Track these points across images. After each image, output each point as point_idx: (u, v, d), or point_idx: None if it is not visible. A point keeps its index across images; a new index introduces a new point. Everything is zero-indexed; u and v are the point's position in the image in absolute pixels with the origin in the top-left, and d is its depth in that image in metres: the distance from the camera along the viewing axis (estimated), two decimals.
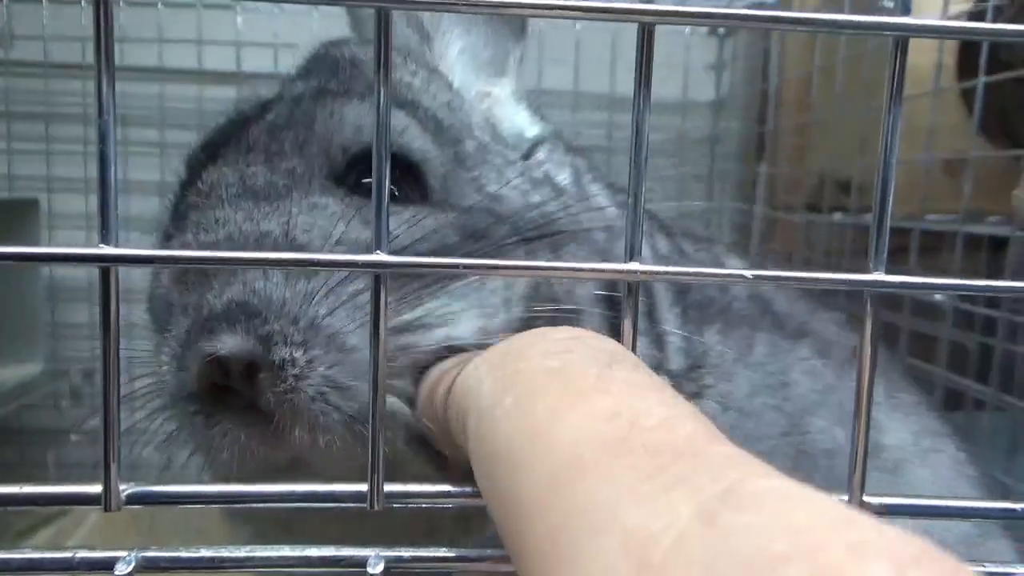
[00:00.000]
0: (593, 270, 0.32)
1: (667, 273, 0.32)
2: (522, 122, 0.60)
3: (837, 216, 1.32)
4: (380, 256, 0.30)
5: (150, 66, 1.49)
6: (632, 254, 0.31)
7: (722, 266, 0.56)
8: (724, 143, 1.64)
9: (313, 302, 0.40)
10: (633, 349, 0.32)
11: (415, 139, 0.48)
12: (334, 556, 0.32)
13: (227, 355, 0.38)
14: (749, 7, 1.48)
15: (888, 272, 0.30)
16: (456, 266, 0.33)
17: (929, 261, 1.13)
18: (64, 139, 1.57)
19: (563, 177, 0.56)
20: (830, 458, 0.41)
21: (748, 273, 0.30)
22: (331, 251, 0.42)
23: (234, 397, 0.39)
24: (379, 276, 0.30)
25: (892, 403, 0.59)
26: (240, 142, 0.48)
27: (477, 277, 0.43)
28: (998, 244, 1.06)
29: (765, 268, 0.68)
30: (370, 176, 0.46)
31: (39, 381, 1.57)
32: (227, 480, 0.45)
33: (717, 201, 1.65)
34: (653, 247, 0.54)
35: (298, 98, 0.50)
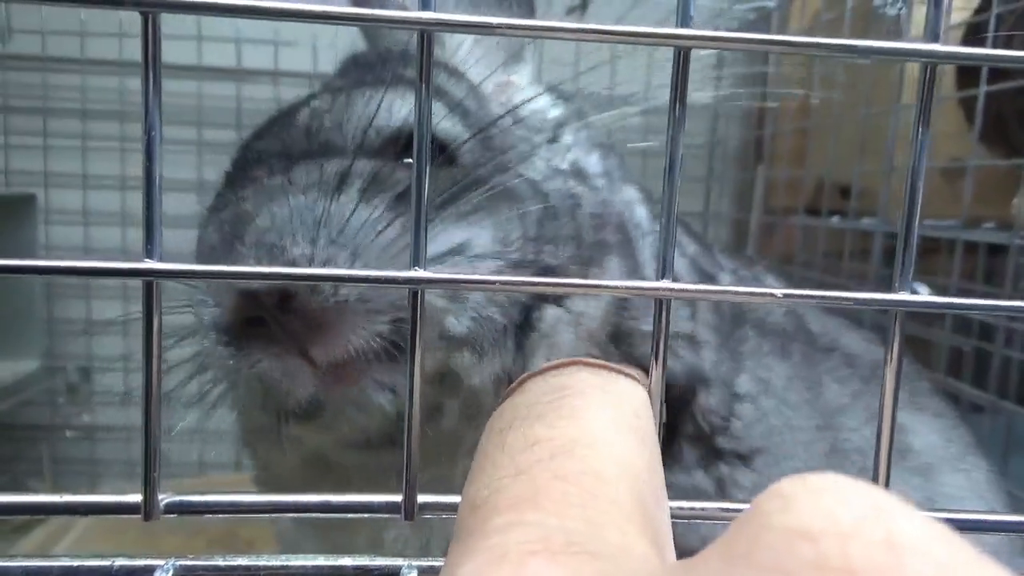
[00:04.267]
0: (625, 288, 0.32)
1: (698, 291, 0.32)
2: (543, 105, 0.61)
3: (835, 220, 1.33)
4: (418, 272, 0.31)
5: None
6: (664, 272, 0.32)
7: (761, 285, 0.57)
8: (723, 146, 1.65)
9: (334, 222, 0.42)
10: (663, 363, 0.33)
11: (442, 120, 0.50)
12: (367, 565, 0.33)
13: (258, 289, 0.40)
14: (750, 11, 1.49)
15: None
16: (492, 283, 0.33)
17: (928, 265, 1.14)
18: (61, 134, 1.55)
19: (593, 163, 0.57)
20: (863, 455, 0.42)
21: (778, 291, 0.31)
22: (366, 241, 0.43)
23: (267, 329, 0.41)
24: (417, 292, 0.31)
25: (916, 405, 0.60)
26: (285, 125, 0.52)
27: (490, 193, 0.46)
28: (996, 248, 1.07)
29: (762, 270, 0.69)
30: (402, 155, 0.48)
31: (35, 377, 1.56)
32: (254, 415, 0.47)
33: (715, 204, 1.66)
34: (681, 249, 0.55)
35: (338, 90, 0.53)
